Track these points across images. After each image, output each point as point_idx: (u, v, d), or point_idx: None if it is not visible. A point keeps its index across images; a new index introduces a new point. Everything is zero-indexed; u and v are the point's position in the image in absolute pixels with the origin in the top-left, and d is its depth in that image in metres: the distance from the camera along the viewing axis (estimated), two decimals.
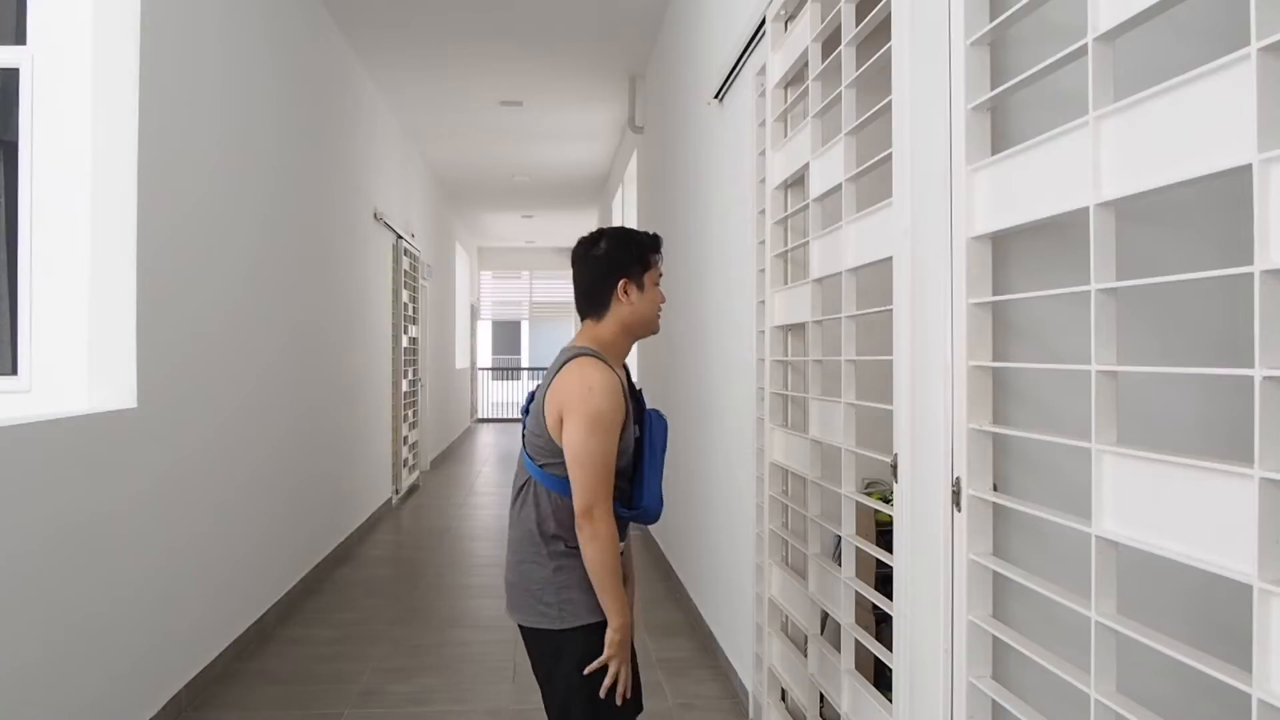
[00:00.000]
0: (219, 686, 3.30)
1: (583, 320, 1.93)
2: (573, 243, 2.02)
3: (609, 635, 1.74)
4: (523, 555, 1.81)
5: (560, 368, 1.80)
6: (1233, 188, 0.96)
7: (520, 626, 1.84)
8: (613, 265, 1.85)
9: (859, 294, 2.00)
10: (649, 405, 1.93)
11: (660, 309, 1.92)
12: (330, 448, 5.20)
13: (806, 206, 2.25)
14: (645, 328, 1.88)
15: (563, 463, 1.76)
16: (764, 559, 2.68)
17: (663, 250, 1.92)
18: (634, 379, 1.92)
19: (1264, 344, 0.87)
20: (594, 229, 1.98)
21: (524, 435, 1.87)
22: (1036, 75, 1.25)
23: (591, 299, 1.88)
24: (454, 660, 3.63)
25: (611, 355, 1.84)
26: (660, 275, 1.91)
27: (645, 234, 1.91)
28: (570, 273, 1.97)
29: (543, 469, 1.80)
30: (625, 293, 1.83)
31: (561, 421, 1.74)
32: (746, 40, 2.88)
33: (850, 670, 2.00)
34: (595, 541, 1.70)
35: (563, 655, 1.78)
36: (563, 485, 1.77)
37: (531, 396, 1.90)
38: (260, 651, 3.71)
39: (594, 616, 1.76)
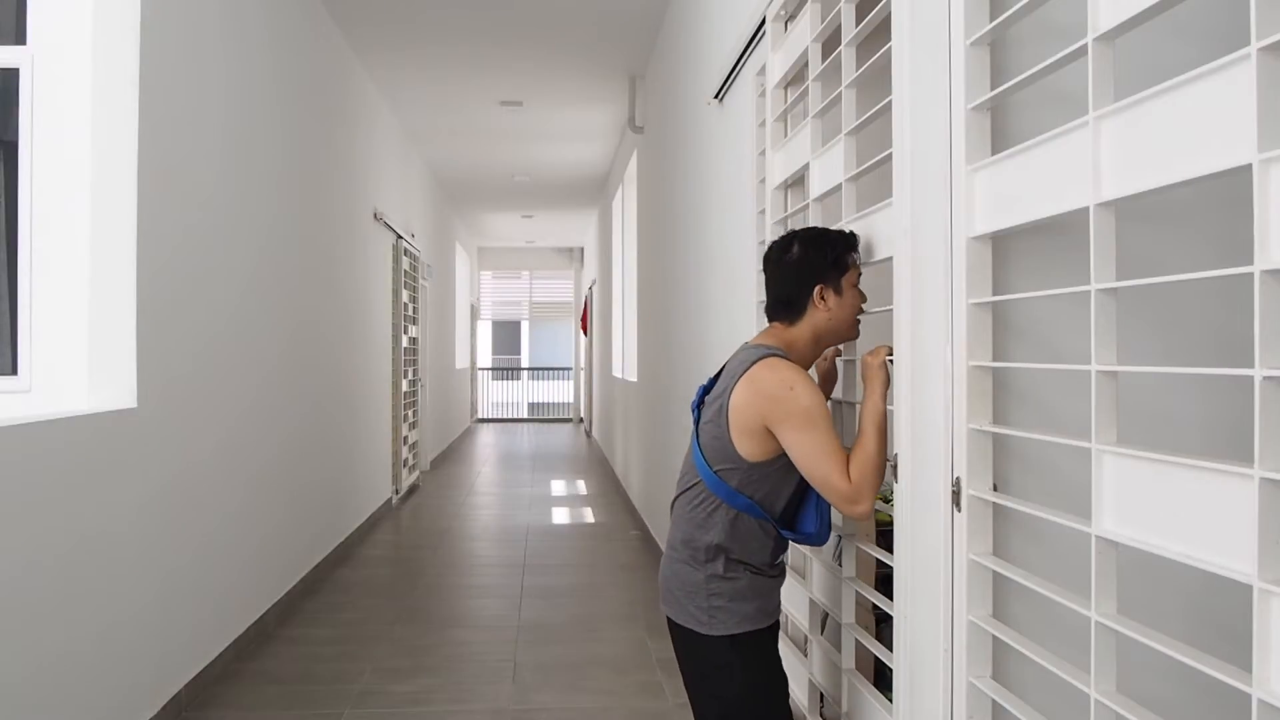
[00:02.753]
0: (219, 686, 3.30)
1: (770, 322, 1.85)
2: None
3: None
4: (679, 555, 1.79)
5: (747, 367, 1.70)
6: (1233, 188, 0.96)
7: (668, 619, 1.83)
8: (807, 271, 1.74)
9: None
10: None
11: (861, 313, 1.79)
12: (330, 448, 5.20)
13: (806, 206, 2.25)
14: (839, 335, 1.79)
15: (738, 469, 1.70)
16: None
17: (860, 249, 1.76)
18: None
19: (1264, 344, 0.87)
20: (786, 232, 1.88)
21: (697, 427, 1.80)
22: (1036, 75, 1.25)
23: (788, 305, 1.79)
24: (454, 660, 3.63)
25: (796, 361, 1.74)
26: (859, 275, 1.78)
27: (841, 233, 1.77)
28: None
29: (717, 475, 1.73)
30: (822, 298, 1.73)
31: (753, 431, 1.67)
32: (746, 40, 2.88)
33: (850, 670, 2.00)
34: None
35: (709, 661, 1.76)
36: (733, 496, 1.72)
37: (705, 389, 1.83)
38: (260, 651, 3.70)
39: (741, 627, 1.74)
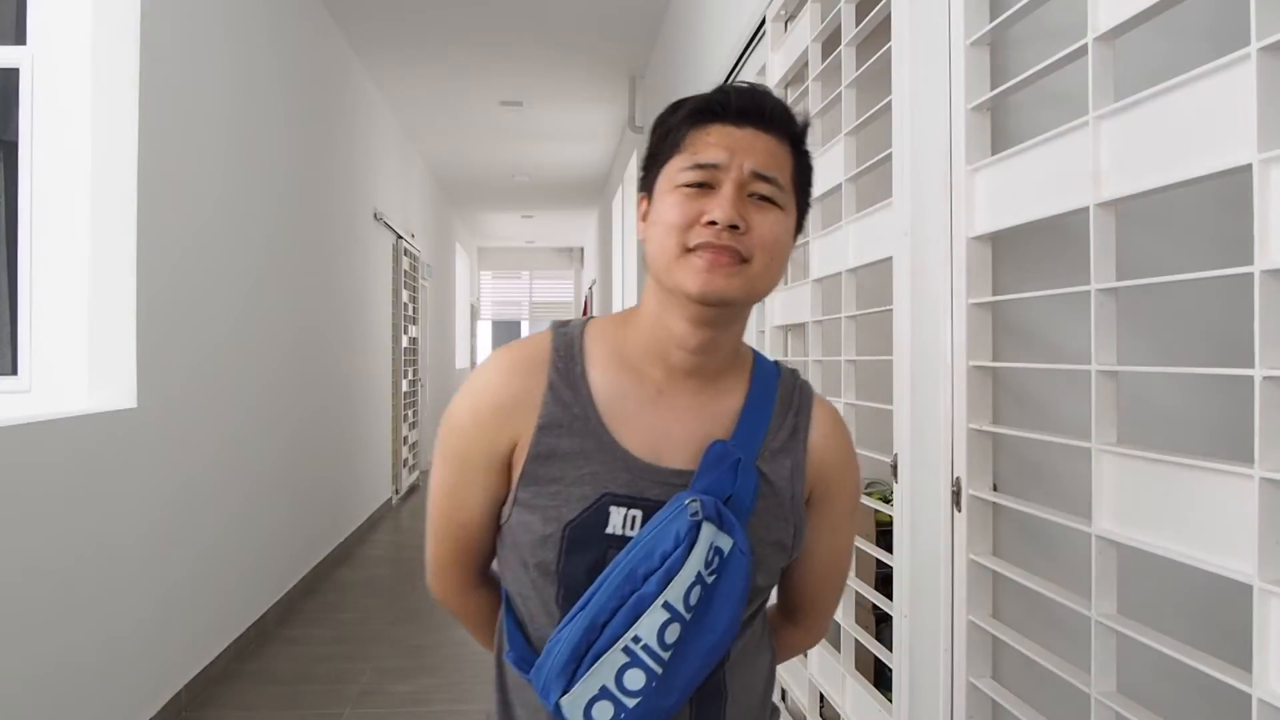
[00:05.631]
0: (219, 686, 3.30)
1: None
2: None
3: None
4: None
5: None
6: (1233, 188, 0.96)
7: None
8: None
9: (859, 294, 2.00)
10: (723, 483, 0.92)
11: (689, 229, 0.88)
12: (330, 447, 5.20)
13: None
14: (661, 274, 0.90)
15: None
16: None
17: (735, 109, 0.91)
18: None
19: (1264, 344, 0.87)
20: None
21: None
22: (1036, 75, 1.25)
23: None
24: (454, 660, 3.63)
25: (640, 336, 0.95)
26: (703, 167, 0.89)
27: (683, 100, 0.95)
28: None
29: None
30: (642, 219, 0.96)
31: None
32: (746, 40, 2.88)
33: (850, 670, 1.99)
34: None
35: None
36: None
37: None
38: (260, 651, 3.70)
39: None
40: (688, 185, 0.90)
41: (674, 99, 0.99)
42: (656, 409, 0.94)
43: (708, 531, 0.87)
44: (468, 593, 1.04)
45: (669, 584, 0.85)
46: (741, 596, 0.89)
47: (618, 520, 0.90)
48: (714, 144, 0.90)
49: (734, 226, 0.87)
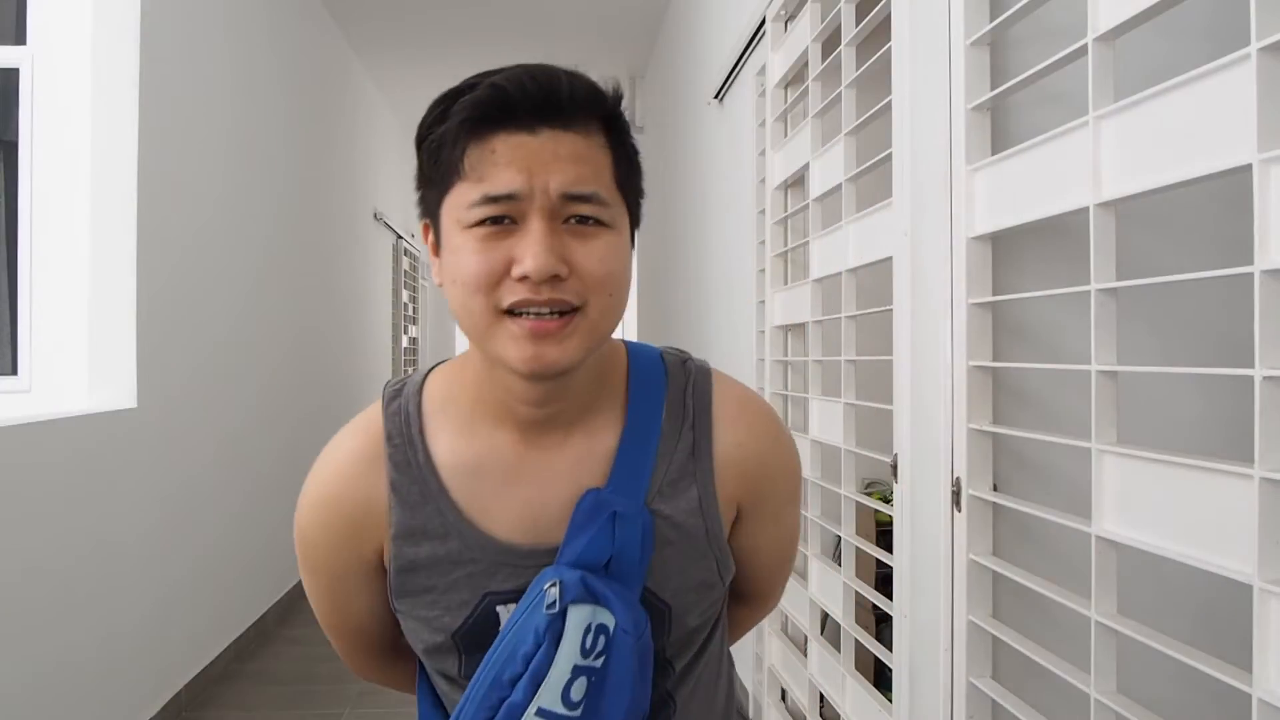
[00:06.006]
0: (219, 686, 3.30)
1: None
2: None
3: None
4: None
5: None
6: (1233, 188, 0.96)
7: None
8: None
9: (859, 294, 2.00)
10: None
11: (496, 286, 0.70)
12: None
13: (806, 206, 2.25)
14: (477, 343, 0.74)
15: None
16: None
17: (523, 107, 0.69)
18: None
19: (1264, 344, 0.87)
20: None
21: None
22: (1036, 75, 1.25)
23: None
24: None
25: (480, 390, 0.78)
26: (495, 199, 0.69)
27: (469, 94, 0.72)
28: None
29: None
30: (434, 253, 0.80)
31: None
32: (746, 40, 2.88)
33: (850, 670, 1.99)
34: None
35: None
36: None
37: None
38: (260, 651, 3.70)
39: None
40: (481, 224, 0.69)
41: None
42: (520, 480, 0.77)
43: (580, 614, 0.72)
44: (386, 669, 0.94)
45: (539, 688, 0.72)
46: (641, 675, 0.74)
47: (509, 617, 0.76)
48: (504, 164, 0.68)
49: (554, 275, 0.68)
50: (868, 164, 1.86)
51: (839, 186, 1.99)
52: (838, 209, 2.01)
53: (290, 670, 3.51)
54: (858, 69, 1.91)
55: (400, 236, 7.19)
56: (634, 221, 0.76)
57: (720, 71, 3.36)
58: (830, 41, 2.09)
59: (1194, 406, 1.55)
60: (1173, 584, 1.39)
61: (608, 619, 0.73)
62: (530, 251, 0.67)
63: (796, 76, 2.44)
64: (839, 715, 2.02)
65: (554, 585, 0.72)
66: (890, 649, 1.75)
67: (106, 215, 2.75)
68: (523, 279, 0.68)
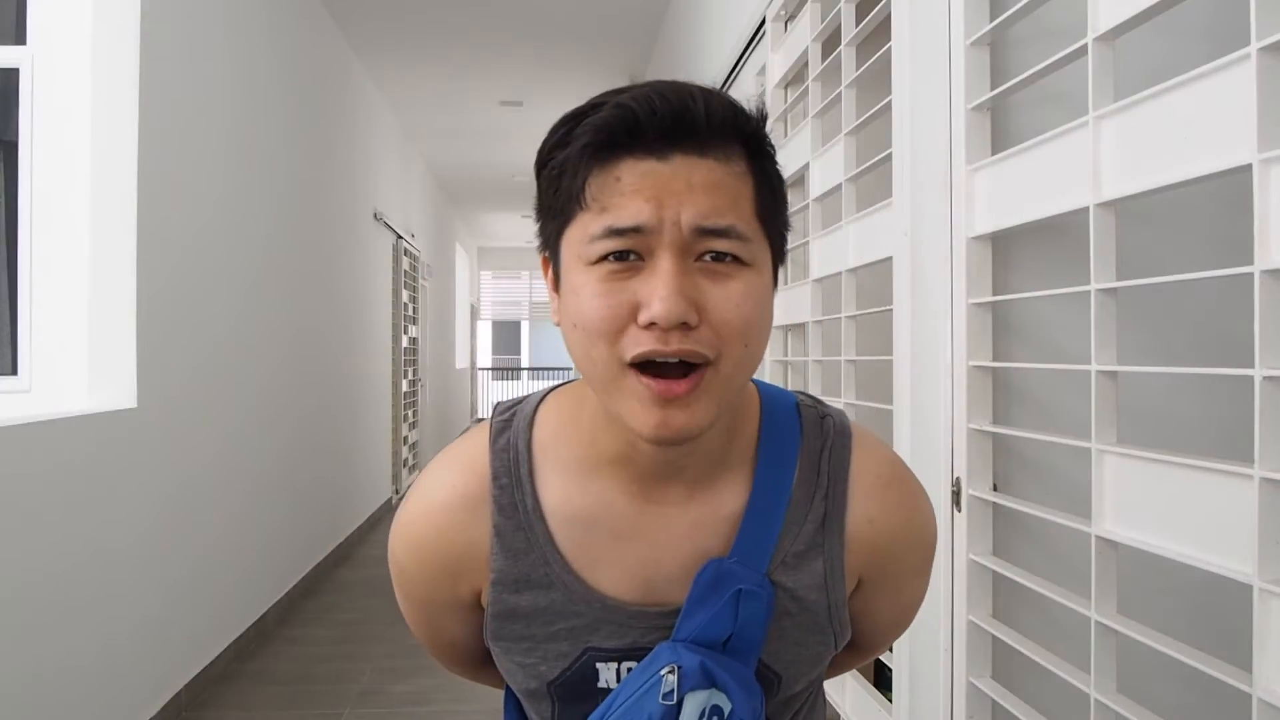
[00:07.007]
0: (219, 686, 3.30)
1: None
2: None
3: None
4: None
5: None
6: (1233, 188, 0.96)
7: None
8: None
9: (859, 294, 2.00)
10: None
11: (620, 334, 0.63)
12: (330, 448, 5.20)
13: (806, 206, 2.25)
14: (599, 394, 0.67)
15: None
16: None
17: (653, 130, 0.62)
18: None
19: (1264, 344, 0.87)
20: None
21: None
22: (1036, 75, 1.25)
23: None
24: None
25: (598, 431, 0.72)
26: (620, 233, 0.62)
27: (593, 115, 0.64)
28: None
29: None
30: (554, 289, 0.71)
31: None
32: (746, 40, 2.88)
33: (850, 670, 2.00)
34: None
35: None
36: None
37: None
38: (260, 651, 3.70)
39: None
40: (604, 259, 0.62)
41: None
42: (635, 535, 0.72)
43: (696, 701, 0.68)
44: (477, 672, 0.93)
45: None
46: None
47: (609, 675, 0.73)
48: (630, 193, 0.61)
49: (684, 323, 0.61)
50: (868, 164, 1.86)
51: (839, 186, 1.99)
52: (838, 209, 2.01)
53: (290, 670, 3.51)
54: (858, 69, 1.91)
55: (400, 236, 7.19)
56: (777, 258, 0.69)
57: (720, 71, 3.36)
58: (830, 41, 2.09)
59: (1194, 406, 1.55)
60: (1170, 584, 1.39)
61: (724, 703, 0.69)
62: (658, 294, 0.60)
63: (796, 76, 2.45)
64: (839, 715, 2.02)
65: (672, 672, 0.67)
66: (890, 649, 1.75)
67: (106, 215, 2.74)
68: (649, 326, 0.61)
